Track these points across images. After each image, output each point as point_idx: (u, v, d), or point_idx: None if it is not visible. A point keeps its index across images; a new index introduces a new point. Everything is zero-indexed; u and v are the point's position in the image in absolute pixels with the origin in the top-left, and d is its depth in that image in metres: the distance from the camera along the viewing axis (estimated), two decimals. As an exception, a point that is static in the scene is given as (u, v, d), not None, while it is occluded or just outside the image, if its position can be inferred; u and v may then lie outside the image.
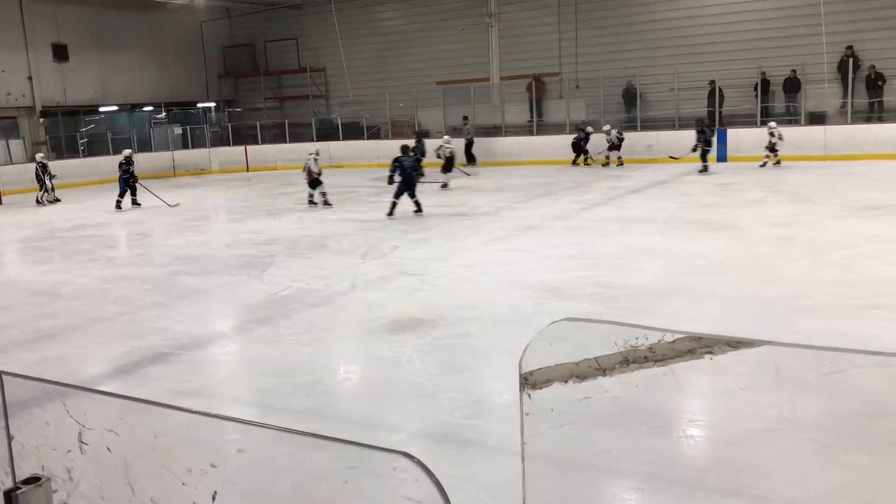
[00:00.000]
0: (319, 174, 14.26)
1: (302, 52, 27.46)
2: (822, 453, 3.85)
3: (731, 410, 4.47)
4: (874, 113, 18.64)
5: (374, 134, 24.57)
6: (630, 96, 21.23)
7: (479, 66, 24.23)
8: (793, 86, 19.43)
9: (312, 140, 24.26)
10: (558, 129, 21.76)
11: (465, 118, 22.22)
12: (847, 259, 7.95)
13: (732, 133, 18.91)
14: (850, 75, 18.45)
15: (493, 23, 23.91)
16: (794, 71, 19.20)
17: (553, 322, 2.23)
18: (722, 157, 18.67)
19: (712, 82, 19.72)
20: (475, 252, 9.64)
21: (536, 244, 9.90)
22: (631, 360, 2.22)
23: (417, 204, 12.55)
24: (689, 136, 17.44)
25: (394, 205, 12.48)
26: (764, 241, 9.16)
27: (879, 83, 18.54)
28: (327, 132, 25.06)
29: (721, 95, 19.63)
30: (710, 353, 2.15)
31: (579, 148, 20.05)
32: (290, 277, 8.50)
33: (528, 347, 2.25)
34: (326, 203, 14.08)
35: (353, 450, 1.56)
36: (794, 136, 17.53)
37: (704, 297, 6.88)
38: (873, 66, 18.60)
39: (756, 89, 19.60)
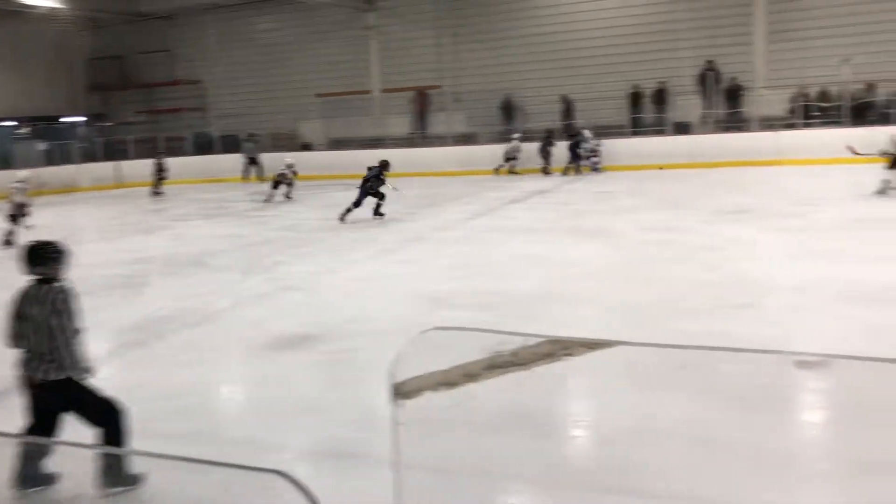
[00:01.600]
0: (24, 207, 12.07)
1: (176, 63, 26.53)
2: (697, 447, 4.00)
3: (604, 409, 4.60)
4: (733, 122, 19.86)
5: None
6: (508, 108, 21.73)
7: (359, 78, 24.18)
8: (661, 97, 20.44)
9: (188, 154, 23.57)
10: (440, 141, 21.99)
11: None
12: (716, 261, 8.37)
13: (607, 143, 19.66)
14: (712, 87, 19.62)
15: (372, 35, 23.92)
16: (661, 83, 20.21)
17: (423, 332, 2.21)
18: (597, 167, 19.43)
19: (564, 97, 20.59)
20: (362, 265, 9.55)
21: (423, 255, 9.92)
22: (496, 365, 2.24)
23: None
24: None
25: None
26: (639, 247, 9.53)
27: (739, 94, 19.80)
28: (203, 146, 24.33)
29: (572, 108, 20.51)
30: (568, 354, 2.19)
31: (576, 154, 19.36)
32: (167, 297, 8.13)
33: (397, 358, 2.22)
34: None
35: (230, 472, 1.48)
36: (661, 146, 18.54)
37: (585, 302, 7.08)
38: (734, 78, 19.83)
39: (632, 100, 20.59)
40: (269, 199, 16.51)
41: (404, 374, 2.15)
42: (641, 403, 4.50)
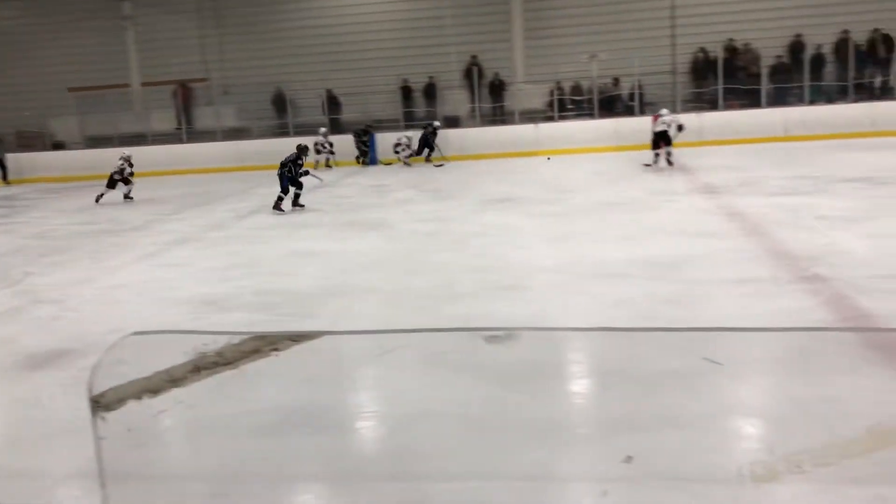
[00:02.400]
0: None
1: None
2: (466, 425, 4.20)
3: (367, 398, 4.71)
4: (498, 116, 21.01)
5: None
6: (280, 102, 21.36)
7: (117, 71, 22.56)
8: (431, 92, 21.11)
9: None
10: (210, 136, 21.13)
11: None
12: (484, 248, 8.82)
13: (380, 137, 19.96)
14: (477, 82, 20.61)
15: (129, 26, 22.39)
16: (430, 78, 20.86)
17: (121, 337, 2.13)
18: (374, 161, 19.68)
19: (329, 91, 20.76)
20: (125, 271, 8.92)
21: (193, 257, 9.47)
22: (201, 367, 2.21)
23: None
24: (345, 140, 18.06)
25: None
26: (414, 237, 9.80)
27: (502, 89, 20.96)
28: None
29: (337, 103, 20.74)
30: (275, 349, 2.21)
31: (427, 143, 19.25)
32: None
33: (95, 368, 2.12)
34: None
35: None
36: (443, 139, 19.18)
37: (364, 294, 7.15)
38: (496, 74, 20.95)
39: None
40: (98, 199, 14.79)
41: (103, 386, 2.05)
42: (415, 388, 4.64)
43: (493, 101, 21.14)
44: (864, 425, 3.57)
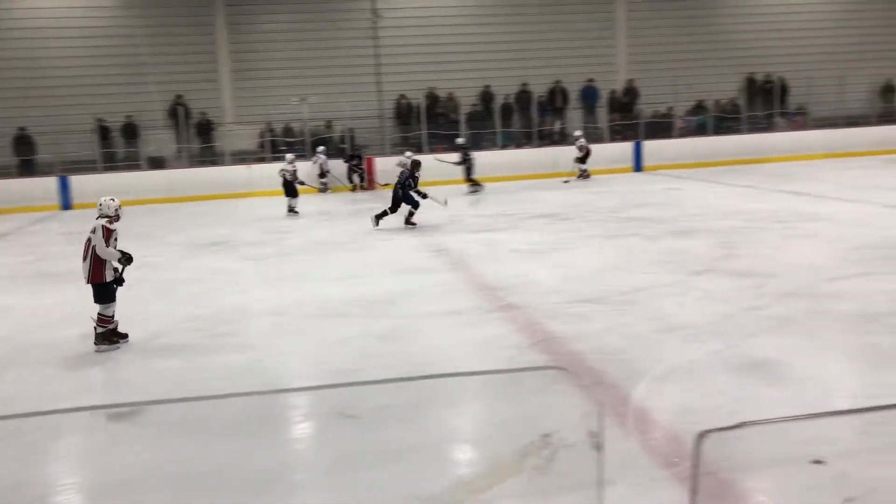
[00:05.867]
0: None
1: None
2: (191, 488, 3.97)
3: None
4: (207, 157, 20.34)
5: None
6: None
7: None
8: (131, 132, 19.86)
9: None
10: None
11: None
12: (196, 294, 8.43)
13: (76, 180, 18.35)
14: (183, 122, 19.83)
15: None
16: (129, 117, 19.64)
17: None
18: (67, 206, 18.05)
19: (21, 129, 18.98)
20: None
21: None
22: None
23: None
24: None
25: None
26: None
27: (210, 129, 20.36)
28: None
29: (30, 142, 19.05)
30: None
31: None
32: None
33: None
34: None
35: None
36: (136, 181, 18.11)
37: (49, 356, 6.46)
38: (203, 114, 20.31)
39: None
40: None
41: None
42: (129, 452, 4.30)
43: (201, 141, 20.46)
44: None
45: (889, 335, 5.79)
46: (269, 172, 19.26)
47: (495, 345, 6.09)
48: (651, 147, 20.71)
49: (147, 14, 20.43)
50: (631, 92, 22.34)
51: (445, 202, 13.25)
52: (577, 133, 19.30)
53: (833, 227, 10.47)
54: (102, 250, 6.26)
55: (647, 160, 20.52)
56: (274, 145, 20.48)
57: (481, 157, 18.34)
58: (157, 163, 19.85)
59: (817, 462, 3.72)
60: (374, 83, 21.52)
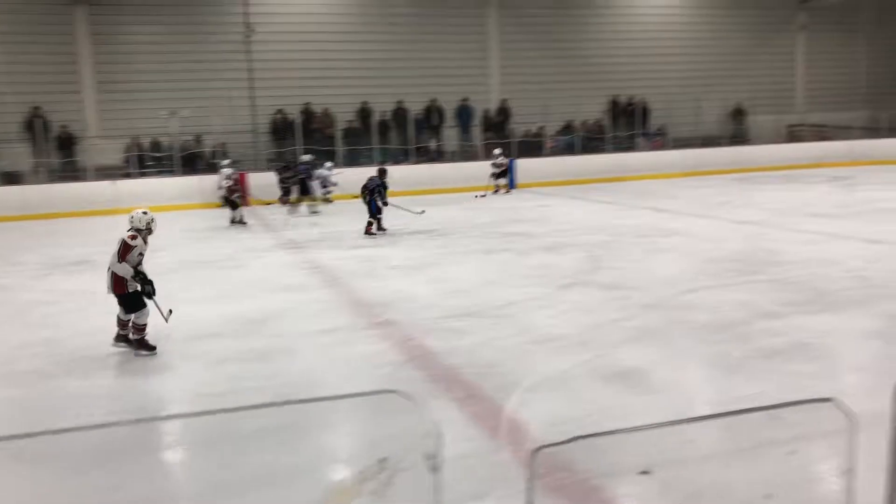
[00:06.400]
0: None
1: None
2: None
3: None
4: (69, 172, 19.26)
5: None
6: None
7: None
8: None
9: None
10: None
11: None
12: (52, 317, 7.96)
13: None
14: (42, 136, 18.72)
15: None
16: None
17: None
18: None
19: None
20: None
21: None
22: None
23: None
24: None
25: None
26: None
27: (71, 143, 19.31)
28: None
29: None
30: None
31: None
32: None
33: None
34: None
35: None
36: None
37: None
38: (64, 127, 19.23)
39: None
40: None
41: None
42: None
43: (62, 156, 19.34)
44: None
45: (739, 343, 6.21)
46: (137, 188, 18.55)
47: (370, 363, 6.09)
48: (524, 165, 21.33)
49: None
50: (504, 111, 22.99)
51: (422, 212, 14.42)
52: (497, 151, 19.53)
53: (689, 242, 11.14)
54: (114, 265, 6.21)
55: (520, 177, 21.11)
56: (141, 160, 19.67)
57: (358, 174, 18.28)
58: (11, 178, 18.61)
59: (644, 473, 3.93)
60: (247, 97, 21.09)
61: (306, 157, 17.83)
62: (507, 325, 6.99)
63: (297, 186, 17.19)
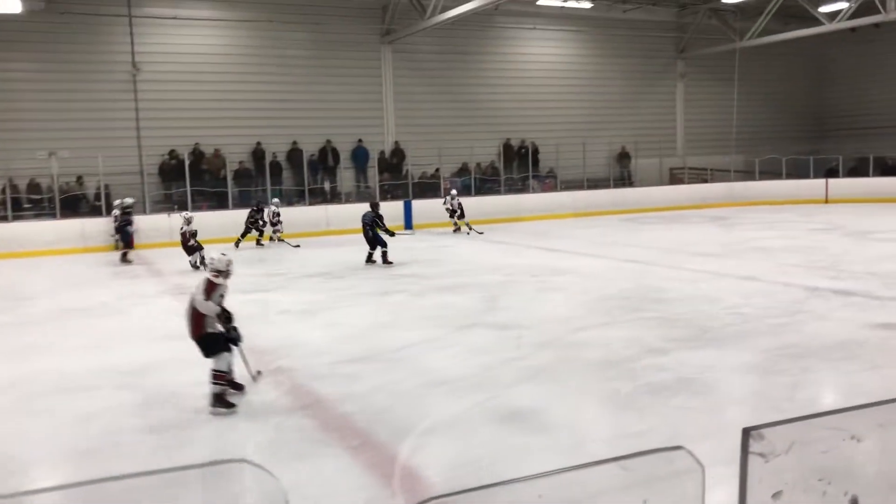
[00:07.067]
0: None
1: None
2: None
3: None
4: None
5: None
6: None
7: None
8: None
9: None
10: None
11: None
12: None
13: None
14: None
15: None
16: None
17: None
18: None
19: None
20: None
21: None
22: None
23: None
24: None
25: None
26: None
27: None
28: None
29: None
30: None
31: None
32: None
33: None
34: None
35: None
36: None
37: None
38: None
39: None
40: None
41: None
42: None
43: None
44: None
45: (628, 380, 6.34)
46: (8, 233, 17.47)
47: (264, 411, 5.85)
48: (420, 206, 21.44)
49: None
50: (398, 153, 23.11)
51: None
52: (454, 192, 19.96)
53: (579, 281, 11.41)
54: (200, 303, 5.93)
55: (416, 218, 21.18)
56: (16, 203, 18.58)
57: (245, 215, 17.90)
58: None
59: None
60: (134, 138, 20.36)
61: (129, 201, 16.96)
62: (401, 368, 6.90)
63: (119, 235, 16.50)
